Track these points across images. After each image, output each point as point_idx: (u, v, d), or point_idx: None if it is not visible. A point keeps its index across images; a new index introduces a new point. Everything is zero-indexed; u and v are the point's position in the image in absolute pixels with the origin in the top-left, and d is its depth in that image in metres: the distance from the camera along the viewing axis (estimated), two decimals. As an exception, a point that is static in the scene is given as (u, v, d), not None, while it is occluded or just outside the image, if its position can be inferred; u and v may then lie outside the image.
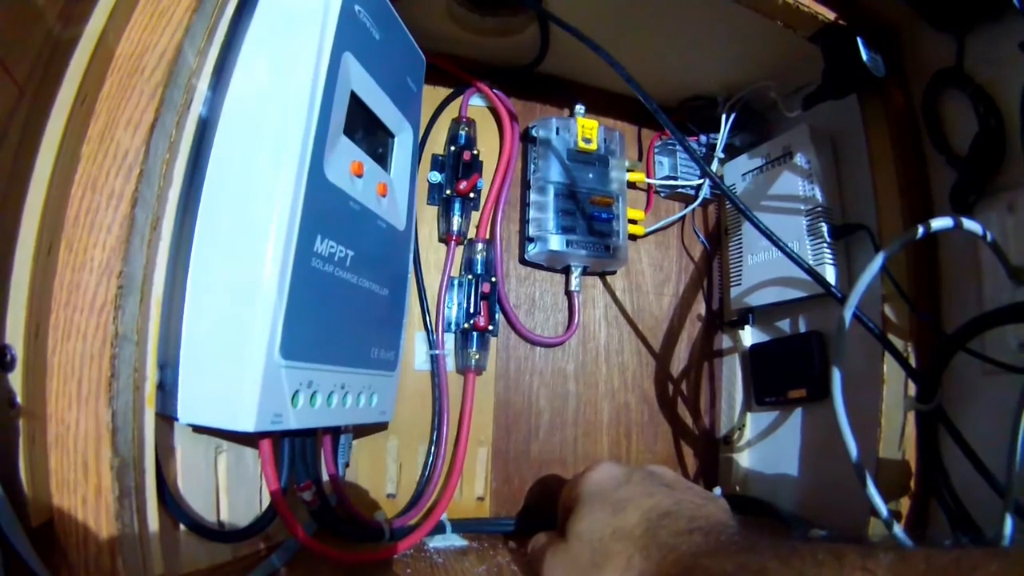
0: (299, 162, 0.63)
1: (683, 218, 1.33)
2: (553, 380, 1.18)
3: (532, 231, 1.14)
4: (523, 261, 1.18)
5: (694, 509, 0.64)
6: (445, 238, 1.09)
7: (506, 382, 1.14)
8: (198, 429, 0.67)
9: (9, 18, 0.49)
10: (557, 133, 1.16)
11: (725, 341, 1.32)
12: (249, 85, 0.66)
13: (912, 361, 0.91)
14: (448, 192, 1.08)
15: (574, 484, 0.77)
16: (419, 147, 0.99)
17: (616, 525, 0.64)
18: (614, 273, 1.26)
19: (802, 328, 1.16)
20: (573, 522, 0.69)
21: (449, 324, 1.07)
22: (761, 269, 1.17)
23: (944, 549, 0.42)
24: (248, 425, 0.59)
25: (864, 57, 0.93)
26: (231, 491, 0.73)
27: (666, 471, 0.78)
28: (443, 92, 1.15)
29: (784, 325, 1.20)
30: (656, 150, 1.31)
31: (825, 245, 1.05)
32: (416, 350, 1.05)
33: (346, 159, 0.73)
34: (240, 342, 0.60)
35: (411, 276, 0.96)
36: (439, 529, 0.93)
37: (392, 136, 0.88)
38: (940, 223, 0.78)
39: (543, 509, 1.04)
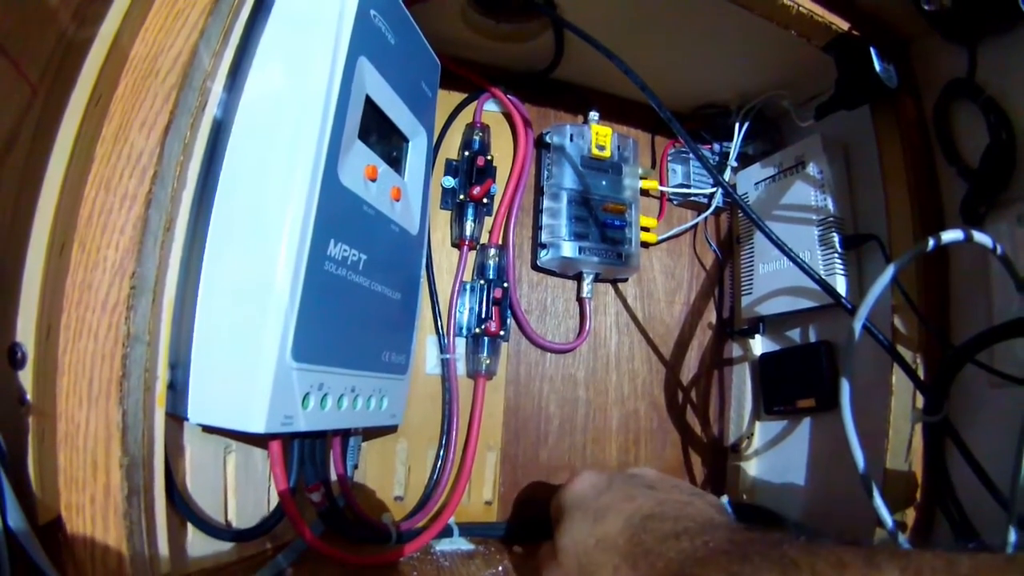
0: (313, 166, 0.63)
1: (695, 226, 1.33)
2: (563, 386, 1.18)
3: (545, 237, 1.14)
4: (535, 267, 1.18)
5: (679, 508, 0.63)
6: (458, 243, 1.09)
7: (516, 387, 1.14)
8: (208, 429, 0.67)
9: (22, 18, 0.49)
10: (571, 140, 1.16)
11: (735, 350, 1.32)
12: (264, 88, 0.67)
13: (920, 373, 0.90)
14: (461, 197, 1.08)
15: (557, 497, 0.77)
16: (433, 152, 0.99)
17: (599, 535, 0.63)
18: (626, 280, 1.26)
19: (812, 338, 1.16)
20: (559, 535, 0.69)
21: (460, 329, 1.07)
22: (772, 278, 1.17)
23: (955, 556, 0.41)
24: (258, 426, 0.60)
25: (877, 67, 0.93)
26: (239, 491, 0.73)
27: (648, 472, 0.78)
28: (458, 97, 1.15)
29: (794, 335, 1.20)
30: (669, 158, 1.31)
31: (836, 255, 1.05)
32: (427, 354, 1.05)
33: (360, 163, 0.73)
34: (252, 344, 0.60)
35: (423, 280, 0.96)
36: (446, 532, 0.94)
37: (406, 141, 0.88)
38: (950, 235, 0.78)
39: (530, 519, 1.04)
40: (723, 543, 0.54)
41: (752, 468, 1.25)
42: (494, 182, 1.12)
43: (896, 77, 0.96)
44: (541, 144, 1.20)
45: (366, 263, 0.74)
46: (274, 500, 0.77)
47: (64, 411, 0.51)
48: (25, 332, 0.50)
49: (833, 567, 0.44)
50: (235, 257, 0.63)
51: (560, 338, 1.19)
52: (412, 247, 0.88)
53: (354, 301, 0.73)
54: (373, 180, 0.75)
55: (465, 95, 1.16)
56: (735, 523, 0.64)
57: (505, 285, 1.09)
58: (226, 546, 0.71)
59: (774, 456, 1.21)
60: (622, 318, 1.25)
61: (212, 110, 0.62)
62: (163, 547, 0.56)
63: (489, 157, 1.12)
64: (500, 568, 0.86)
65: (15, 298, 0.50)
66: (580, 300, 1.19)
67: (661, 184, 1.29)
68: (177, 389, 0.62)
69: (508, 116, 1.19)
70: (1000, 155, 0.86)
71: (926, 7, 0.89)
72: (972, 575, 0.39)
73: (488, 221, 1.13)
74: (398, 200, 0.82)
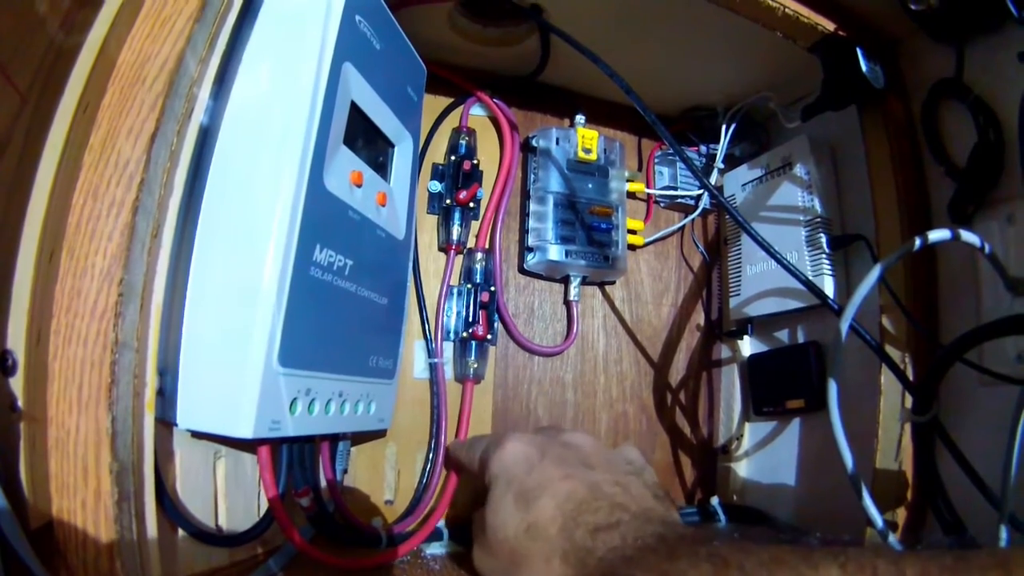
0: (299, 172, 0.63)
1: (682, 228, 1.33)
2: (551, 389, 1.18)
3: (531, 241, 1.14)
4: (522, 271, 1.18)
5: (614, 494, 0.62)
6: (445, 247, 1.09)
7: (504, 391, 1.14)
8: (197, 434, 0.67)
9: (11, 25, 0.49)
10: (557, 143, 1.16)
11: (724, 351, 1.32)
12: (250, 94, 0.67)
13: (909, 372, 0.91)
14: (448, 201, 1.08)
15: (484, 464, 0.74)
16: (419, 156, 0.99)
17: (531, 520, 0.62)
18: (613, 283, 1.26)
19: (800, 338, 1.16)
20: (488, 513, 0.68)
21: (448, 333, 1.07)
22: (760, 279, 1.17)
23: (904, 556, 0.40)
24: (246, 432, 0.60)
25: (863, 68, 0.94)
26: (229, 496, 0.73)
27: (584, 440, 0.76)
28: (444, 101, 1.15)
29: (783, 335, 1.20)
30: (656, 160, 1.32)
31: (824, 256, 1.06)
32: (415, 358, 1.05)
33: (346, 169, 0.73)
34: (239, 349, 0.60)
35: (410, 285, 0.96)
36: (436, 536, 0.93)
37: (392, 146, 0.88)
38: (937, 235, 0.78)
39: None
40: (653, 540, 0.53)
41: (742, 469, 1.25)
42: (480, 186, 1.12)
43: (883, 77, 0.96)
44: (527, 148, 1.20)
45: (352, 268, 0.74)
46: (264, 505, 0.77)
47: (55, 417, 0.51)
48: (16, 339, 0.50)
49: (765, 565, 0.43)
50: (222, 263, 0.63)
51: (548, 341, 1.19)
52: (399, 252, 0.88)
53: (340, 306, 0.73)
54: (359, 185, 0.75)
55: (451, 99, 1.16)
56: (670, 514, 0.64)
57: (492, 289, 1.09)
58: (217, 551, 0.71)
59: (764, 457, 1.21)
60: (610, 321, 1.25)
61: (199, 117, 0.62)
62: (154, 552, 0.56)
63: (475, 161, 1.12)
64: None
65: (6, 305, 0.50)
66: (567, 303, 1.19)
67: (648, 186, 1.29)
68: (166, 395, 0.62)
69: (494, 120, 1.19)
70: (988, 155, 0.87)
71: (913, 7, 0.90)
72: None
73: (475, 225, 1.13)
74: (384, 205, 0.82)
